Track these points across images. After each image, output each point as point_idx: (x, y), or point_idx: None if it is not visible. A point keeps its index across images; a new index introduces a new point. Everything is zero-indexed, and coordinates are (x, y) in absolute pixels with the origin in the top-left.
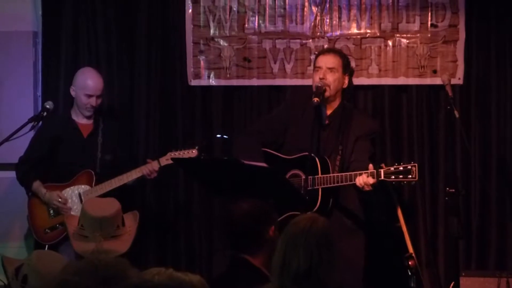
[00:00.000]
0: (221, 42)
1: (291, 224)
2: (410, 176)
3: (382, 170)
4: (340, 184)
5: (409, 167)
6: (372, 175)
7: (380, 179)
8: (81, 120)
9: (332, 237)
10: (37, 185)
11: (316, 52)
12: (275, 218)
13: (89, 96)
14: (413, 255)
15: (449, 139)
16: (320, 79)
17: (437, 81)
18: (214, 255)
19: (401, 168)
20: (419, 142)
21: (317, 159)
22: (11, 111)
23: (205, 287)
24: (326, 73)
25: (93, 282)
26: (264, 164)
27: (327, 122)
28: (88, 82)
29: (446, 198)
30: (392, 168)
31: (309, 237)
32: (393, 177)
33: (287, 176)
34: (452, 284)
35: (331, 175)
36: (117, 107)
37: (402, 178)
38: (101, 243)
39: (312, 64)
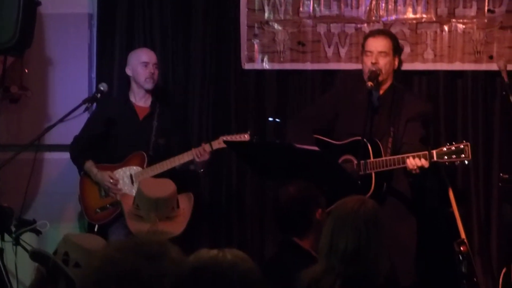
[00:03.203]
0: (276, 25)
1: (339, 204)
2: (463, 155)
3: (434, 151)
4: (392, 167)
5: (462, 146)
6: (424, 156)
7: (433, 160)
8: (139, 102)
9: (381, 219)
10: (89, 164)
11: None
12: (321, 200)
13: (146, 64)
14: (465, 240)
15: (504, 126)
16: (372, 63)
17: (493, 67)
18: (266, 239)
19: (454, 148)
20: (474, 128)
21: (368, 143)
22: (66, 93)
23: (247, 261)
24: (378, 57)
25: (135, 259)
26: (316, 148)
27: (378, 104)
28: (140, 53)
29: (500, 184)
30: (444, 149)
31: (357, 218)
32: (446, 157)
33: (339, 161)
34: (504, 271)
35: (383, 158)
36: (171, 91)
37: (455, 158)
38: (156, 224)
39: None
